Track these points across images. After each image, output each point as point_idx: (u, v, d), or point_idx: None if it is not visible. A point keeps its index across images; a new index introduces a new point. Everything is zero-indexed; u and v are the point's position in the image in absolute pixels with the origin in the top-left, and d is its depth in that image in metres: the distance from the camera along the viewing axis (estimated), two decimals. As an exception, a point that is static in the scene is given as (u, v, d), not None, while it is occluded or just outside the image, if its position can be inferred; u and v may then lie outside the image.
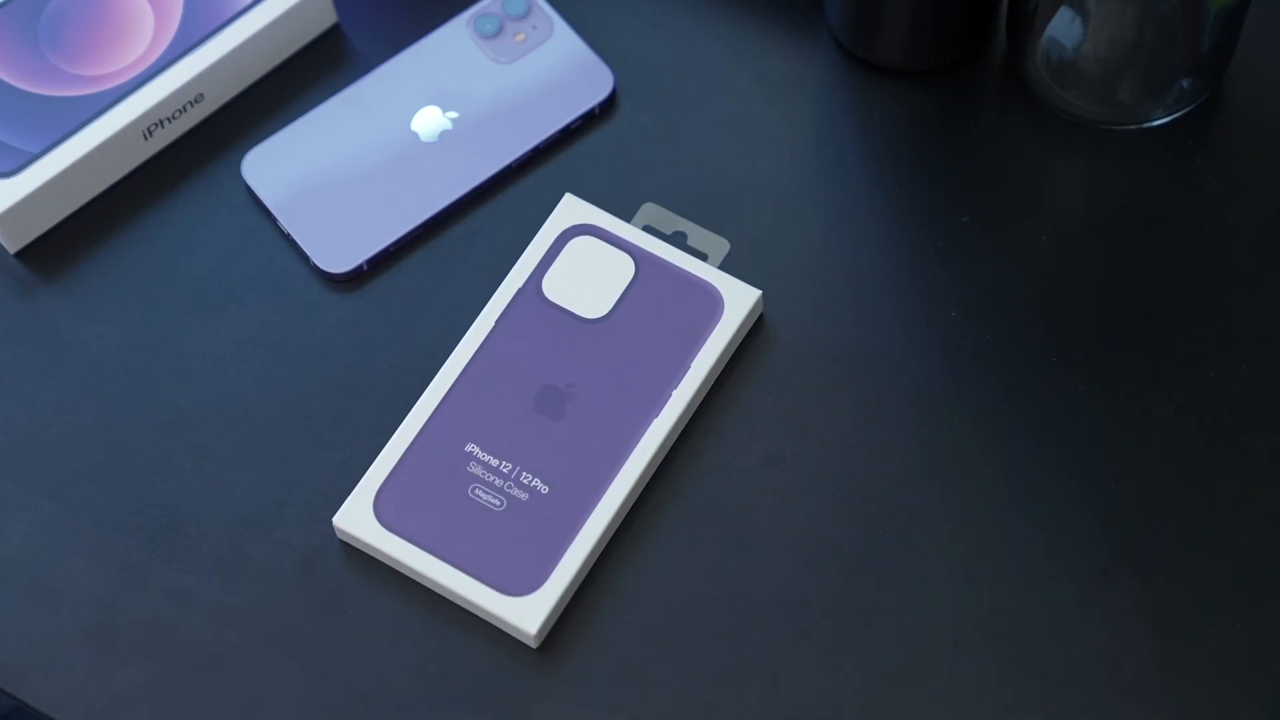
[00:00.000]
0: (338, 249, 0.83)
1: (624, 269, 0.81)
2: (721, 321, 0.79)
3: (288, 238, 0.84)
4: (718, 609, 0.75)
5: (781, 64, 0.87)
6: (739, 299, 0.80)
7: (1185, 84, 0.82)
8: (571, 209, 0.82)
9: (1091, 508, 0.76)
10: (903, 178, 0.84)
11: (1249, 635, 0.74)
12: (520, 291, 0.81)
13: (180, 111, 0.86)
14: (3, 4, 0.87)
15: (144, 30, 0.86)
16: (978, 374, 0.79)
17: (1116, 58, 0.81)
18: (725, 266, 0.82)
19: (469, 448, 0.78)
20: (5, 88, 0.85)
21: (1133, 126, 0.84)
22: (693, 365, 0.79)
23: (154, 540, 0.78)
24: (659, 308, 0.80)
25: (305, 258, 0.84)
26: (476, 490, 0.77)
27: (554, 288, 0.81)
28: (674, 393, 0.78)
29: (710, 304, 0.80)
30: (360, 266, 0.83)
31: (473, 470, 0.77)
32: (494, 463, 0.77)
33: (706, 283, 0.80)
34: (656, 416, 0.78)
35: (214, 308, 0.83)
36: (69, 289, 0.84)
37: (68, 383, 0.82)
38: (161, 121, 0.85)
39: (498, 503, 0.76)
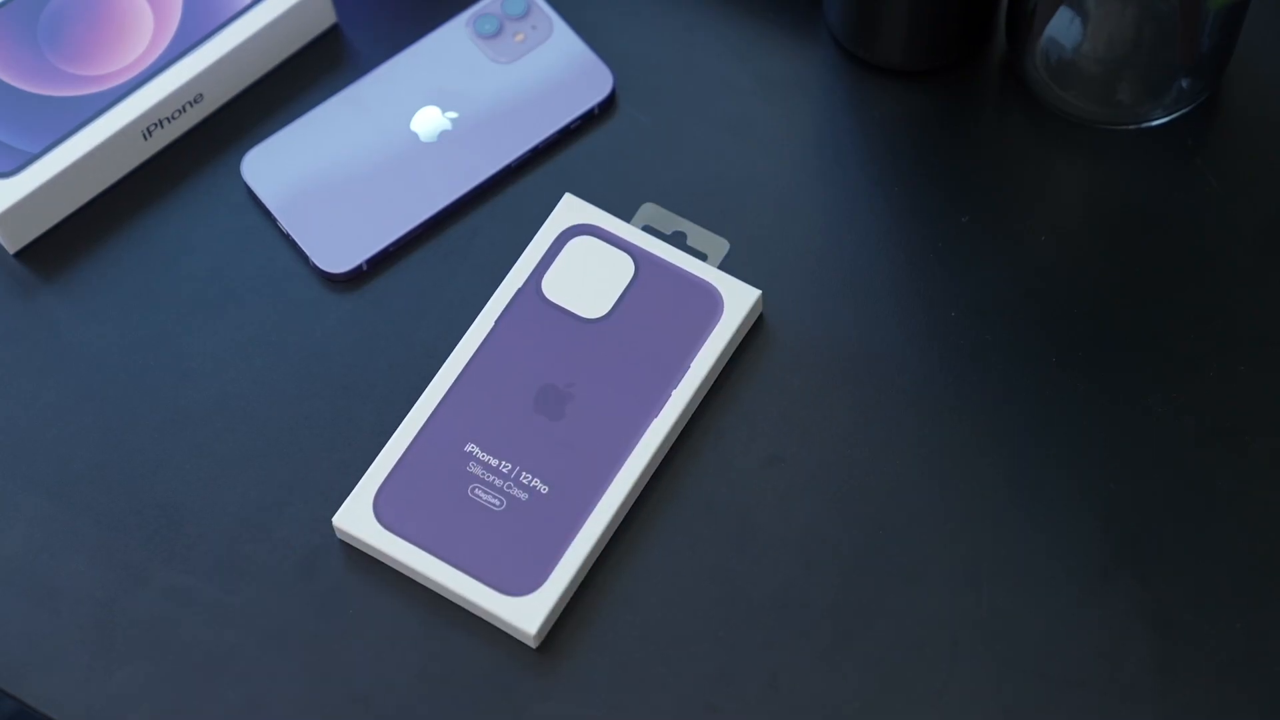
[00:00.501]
0: (337, 249, 0.83)
1: (624, 269, 0.81)
2: (721, 321, 0.79)
3: (287, 238, 0.84)
4: (717, 609, 0.75)
5: (781, 64, 0.87)
6: (739, 299, 0.80)
7: (1184, 84, 0.82)
8: (571, 209, 0.82)
9: (1091, 508, 0.76)
10: (902, 178, 0.84)
11: (1249, 636, 0.74)
12: (520, 291, 0.81)
13: (180, 111, 0.86)
14: (2, 4, 0.87)
15: (143, 30, 0.86)
16: (977, 374, 0.79)
17: (1116, 58, 0.81)
18: (725, 266, 0.82)
19: (469, 448, 0.78)
20: (5, 88, 0.85)
21: (1132, 126, 0.84)
22: (692, 365, 0.79)
23: (154, 540, 0.78)
24: (659, 308, 0.80)
25: (305, 258, 0.84)
26: (476, 490, 0.77)
27: (554, 287, 0.81)
28: (674, 393, 0.78)
29: (710, 304, 0.80)
30: (360, 266, 0.83)
31: (472, 470, 0.77)
32: (494, 463, 0.77)
33: (706, 283, 0.80)
34: (656, 416, 0.78)
35: (213, 308, 0.83)
36: (68, 289, 0.84)
37: (67, 383, 0.82)
38: (161, 121, 0.85)
39: (497, 503, 0.76)
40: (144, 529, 0.78)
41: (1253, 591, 0.74)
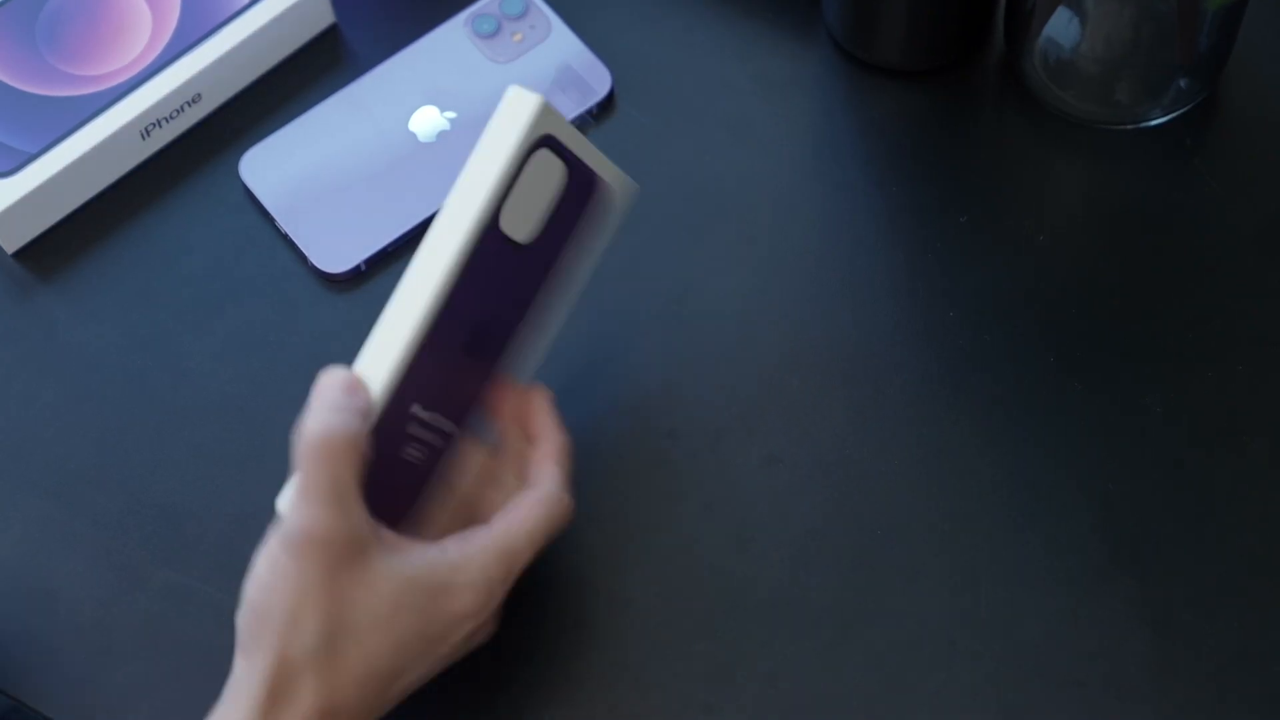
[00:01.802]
0: (335, 249, 0.83)
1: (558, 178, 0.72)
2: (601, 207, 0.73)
3: (285, 238, 0.84)
4: (717, 609, 0.75)
5: (780, 64, 0.87)
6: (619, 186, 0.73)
7: (1183, 84, 0.82)
8: (530, 106, 0.69)
9: (1089, 508, 0.76)
10: (901, 178, 0.84)
11: (1247, 636, 0.74)
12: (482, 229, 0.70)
13: (178, 111, 0.86)
14: (1, 4, 0.87)
15: (141, 30, 0.86)
16: (975, 374, 0.79)
17: (1114, 57, 0.81)
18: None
19: (414, 410, 0.71)
20: (3, 88, 0.85)
21: (1130, 126, 0.84)
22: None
23: (151, 540, 0.78)
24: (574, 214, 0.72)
25: (303, 258, 0.84)
26: (410, 452, 0.72)
27: (510, 218, 0.71)
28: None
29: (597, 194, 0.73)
30: (358, 266, 0.83)
31: (413, 432, 0.72)
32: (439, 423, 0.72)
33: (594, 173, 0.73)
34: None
35: (212, 308, 0.83)
36: (67, 289, 0.84)
37: (65, 383, 0.81)
38: (159, 121, 0.85)
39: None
40: (142, 529, 0.78)
41: (1251, 592, 0.74)
